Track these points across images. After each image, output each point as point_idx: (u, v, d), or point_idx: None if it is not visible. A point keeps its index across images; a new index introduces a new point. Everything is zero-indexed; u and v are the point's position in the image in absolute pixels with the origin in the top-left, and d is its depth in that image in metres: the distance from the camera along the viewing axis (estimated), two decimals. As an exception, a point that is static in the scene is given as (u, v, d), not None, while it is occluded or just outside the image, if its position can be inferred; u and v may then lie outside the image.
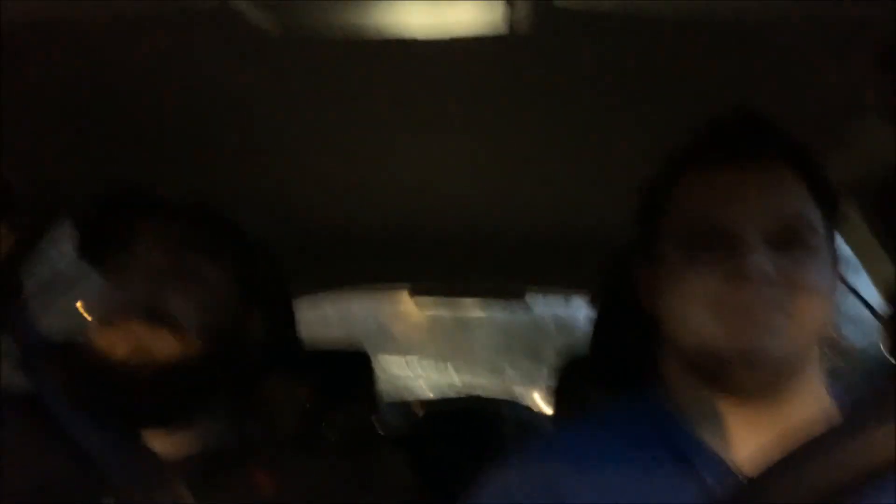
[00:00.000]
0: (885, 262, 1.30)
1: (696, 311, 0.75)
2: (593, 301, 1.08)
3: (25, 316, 1.03)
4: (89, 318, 0.92)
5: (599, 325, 1.06)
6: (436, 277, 2.59)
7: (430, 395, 4.37)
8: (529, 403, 3.84)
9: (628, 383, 0.91)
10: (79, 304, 0.94)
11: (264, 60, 0.93)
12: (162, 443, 0.91)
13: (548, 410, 3.40)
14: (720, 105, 0.81)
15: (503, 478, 0.82)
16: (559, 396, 1.20)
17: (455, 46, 0.84)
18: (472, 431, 2.87)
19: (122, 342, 0.88)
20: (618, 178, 1.38)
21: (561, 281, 2.51)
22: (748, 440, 0.75)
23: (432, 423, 2.99)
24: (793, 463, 0.45)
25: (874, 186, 1.19)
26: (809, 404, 0.77)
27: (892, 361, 1.17)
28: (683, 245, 0.78)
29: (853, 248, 1.35)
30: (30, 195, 1.28)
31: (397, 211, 1.78)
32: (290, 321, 1.18)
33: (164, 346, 0.89)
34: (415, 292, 2.93)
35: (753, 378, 0.74)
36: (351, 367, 1.64)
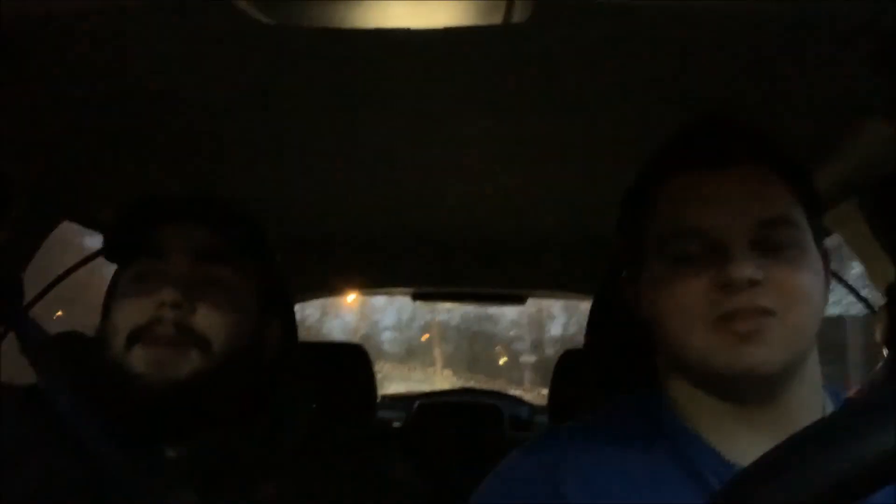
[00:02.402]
0: (884, 260, 1.30)
1: (683, 321, 0.74)
2: None
3: (27, 314, 1.03)
4: (114, 328, 0.90)
5: (595, 319, 1.06)
6: (439, 280, 2.59)
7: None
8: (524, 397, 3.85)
9: (623, 378, 0.91)
10: (107, 315, 0.92)
11: (259, 55, 0.93)
12: (169, 448, 0.89)
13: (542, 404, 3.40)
14: (722, 102, 0.81)
15: (508, 476, 0.82)
16: (554, 389, 1.20)
17: (452, 39, 0.84)
18: (466, 423, 2.88)
19: (146, 359, 0.87)
20: (616, 176, 1.39)
21: (561, 283, 2.51)
22: (752, 442, 0.74)
23: (427, 415, 2.99)
24: (780, 459, 0.45)
25: (873, 186, 1.20)
26: (810, 404, 0.76)
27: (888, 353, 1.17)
28: (667, 253, 0.77)
29: (852, 247, 1.35)
30: (30, 194, 1.28)
31: (399, 213, 1.78)
32: (293, 325, 1.18)
33: (189, 364, 0.88)
34: (417, 296, 2.93)
35: (749, 386, 0.74)
36: (349, 361, 1.64)
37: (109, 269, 1.03)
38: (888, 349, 1.28)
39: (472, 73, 0.99)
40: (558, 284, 2.56)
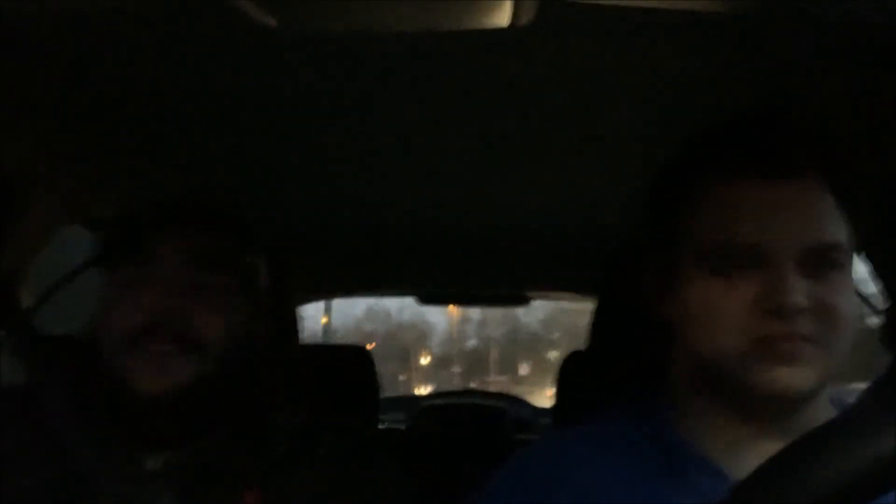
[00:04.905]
0: (889, 260, 1.30)
1: (722, 334, 0.72)
2: None
3: (28, 318, 1.04)
4: (107, 333, 0.89)
5: (599, 320, 1.06)
6: (441, 282, 2.58)
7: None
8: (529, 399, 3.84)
9: (627, 379, 0.90)
10: (101, 320, 0.90)
11: (263, 57, 0.93)
12: (152, 457, 0.89)
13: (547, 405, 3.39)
14: (725, 105, 0.80)
15: (505, 482, 0.82)
16: (559, 391, 1.20)
17: (457, 42, 0.84)
18: (470, 424, 2.87)
19: (143, 366, 0.86)
20: (622, 177, 1.38)
21: (566, 283, 2.51)
22: (755, 455, 0.73)
23: (430, 417, 2.99)
24: (784, 464, 0.45)
25: (877, 185, 1.19)
26: (819, 419, 0.74)
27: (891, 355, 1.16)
28: (709, 261, 0.74)
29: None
30: (32, 195, 1.28)
31: (402, 215, 1.78)
32: (293, 327, 1.18)
33: (185, 372, 0.87)
34: (421, 297, 2.93)
35: (776, 405, 0.73)
36: (351, 364, 1.64)
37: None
38: (890, 350, 1.27)
39: (477, 75, 0.99)
40: (563, 285, 2.55)
